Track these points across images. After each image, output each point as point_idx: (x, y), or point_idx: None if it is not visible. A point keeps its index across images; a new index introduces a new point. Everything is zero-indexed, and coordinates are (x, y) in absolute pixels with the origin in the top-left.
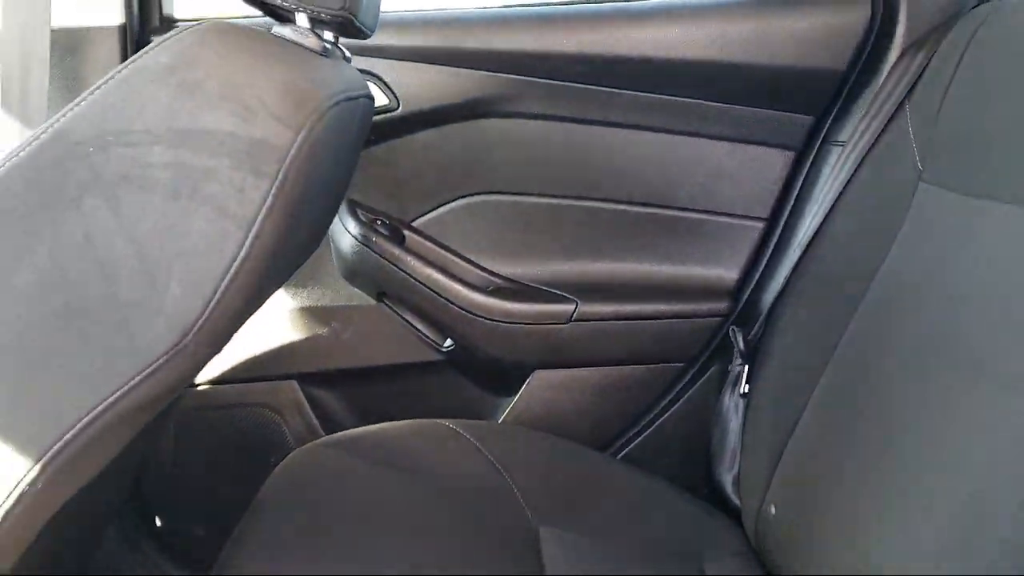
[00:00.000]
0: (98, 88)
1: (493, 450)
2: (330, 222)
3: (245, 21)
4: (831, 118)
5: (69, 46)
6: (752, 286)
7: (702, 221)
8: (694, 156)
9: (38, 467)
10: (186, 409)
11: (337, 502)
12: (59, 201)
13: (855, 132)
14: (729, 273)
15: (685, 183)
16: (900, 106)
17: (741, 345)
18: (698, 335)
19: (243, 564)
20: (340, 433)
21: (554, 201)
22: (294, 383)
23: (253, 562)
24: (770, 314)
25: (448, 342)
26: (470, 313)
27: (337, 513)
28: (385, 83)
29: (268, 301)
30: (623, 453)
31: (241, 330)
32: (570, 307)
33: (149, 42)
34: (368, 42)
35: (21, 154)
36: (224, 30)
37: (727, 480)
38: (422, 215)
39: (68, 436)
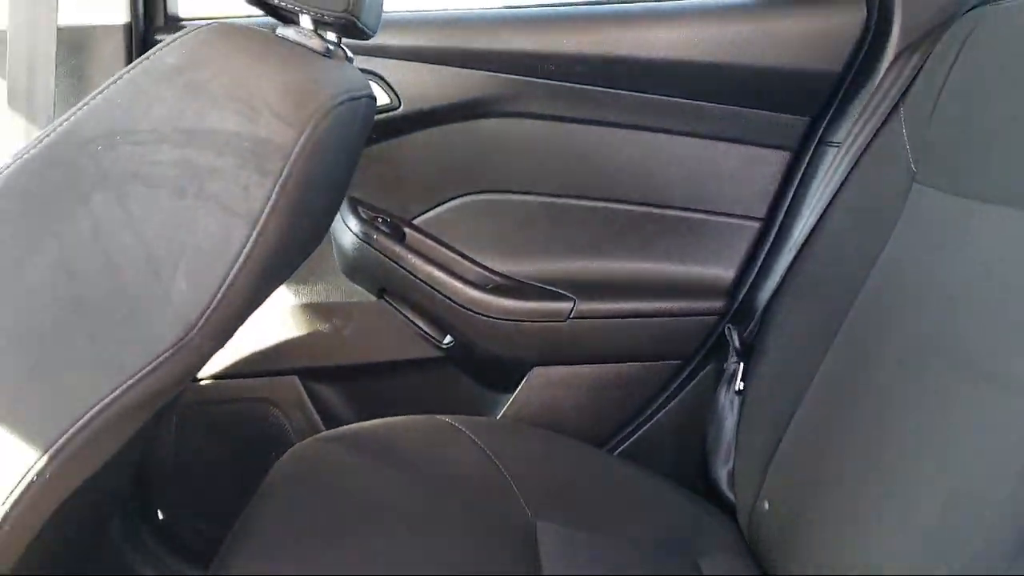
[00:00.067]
0: (106, 88)
1: (491, 446)
2: (332, 219)
3: (248, 20)
4: (826, 119)
5: (74, 44)
6: (748, 285)
7: (699, 220)
8: (692, 156)
9: (46, 457)
10: (188, 403)
11: (337, 496)
12: (69, 197)
13: (850, 133)
14: (725, 272)
15: (683, 183)
16: (895, 108)
17: (737, 343)
18: (694, 333)
19: (243, 558)
20: (340, 428)
21: (553, 200)
22: (295, 378)
23: (253, 556)
24: (765, 313)
25: (448, 339)
26: (470, 310)
27: (337, 507)
28: (387, 82)
29: (270, 297)
30: (620, 449)
31: (243, 326)
32: (568, 305)
33: (154, 41)
34: (370, 42)
35: (32, 151)
36: (229, 32)
37: (722, 476)
38: (423, 213)
39: (76, 427)
